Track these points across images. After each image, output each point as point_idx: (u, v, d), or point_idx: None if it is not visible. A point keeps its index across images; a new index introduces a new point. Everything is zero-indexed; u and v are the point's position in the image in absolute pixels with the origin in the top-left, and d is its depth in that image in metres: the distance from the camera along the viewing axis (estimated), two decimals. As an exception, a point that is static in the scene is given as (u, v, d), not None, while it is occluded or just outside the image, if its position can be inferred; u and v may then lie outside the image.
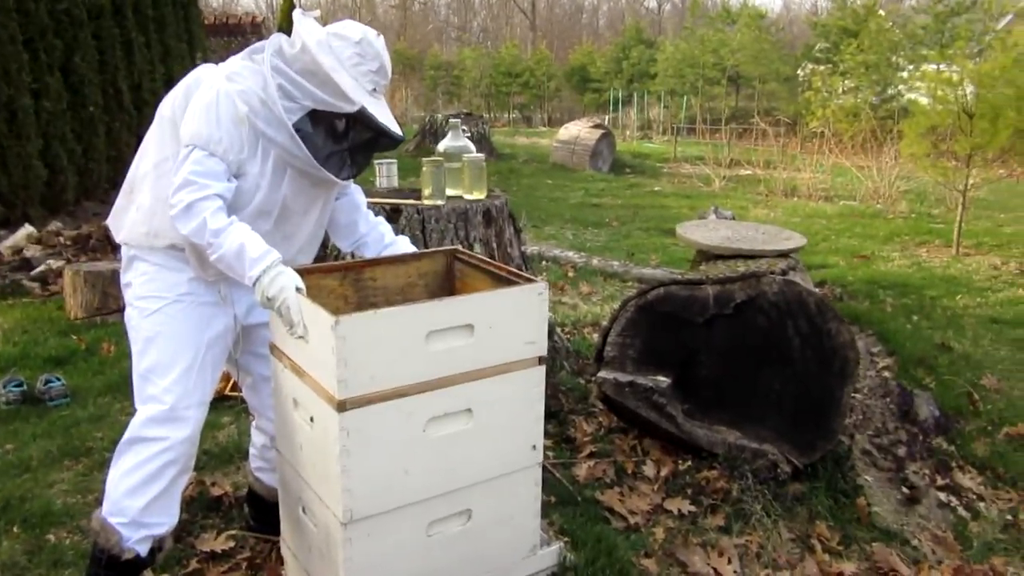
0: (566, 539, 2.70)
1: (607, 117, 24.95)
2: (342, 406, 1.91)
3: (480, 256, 2.53)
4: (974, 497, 3.32)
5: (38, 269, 5.98)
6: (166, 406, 2.20)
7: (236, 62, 2.22)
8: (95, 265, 5.40)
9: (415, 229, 3.42)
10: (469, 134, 4.25)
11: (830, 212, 10.93)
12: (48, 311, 5.30)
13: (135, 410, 2.25)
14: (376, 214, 2.59)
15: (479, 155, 3.69)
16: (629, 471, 3.29)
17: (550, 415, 3.43)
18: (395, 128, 2.21)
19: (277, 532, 2.53)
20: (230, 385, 3.78)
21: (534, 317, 2.17)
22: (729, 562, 2.72)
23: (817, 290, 3.56)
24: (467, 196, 3.63)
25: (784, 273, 3.34)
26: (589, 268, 6.90)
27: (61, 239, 6.55)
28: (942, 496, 3.27)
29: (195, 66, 2.36)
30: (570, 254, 7.36)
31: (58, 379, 3.95)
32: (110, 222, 2.41)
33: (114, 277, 4.81)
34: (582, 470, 3.26)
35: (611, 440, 3.52)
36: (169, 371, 2.22)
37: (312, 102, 2.13)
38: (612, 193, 12.43)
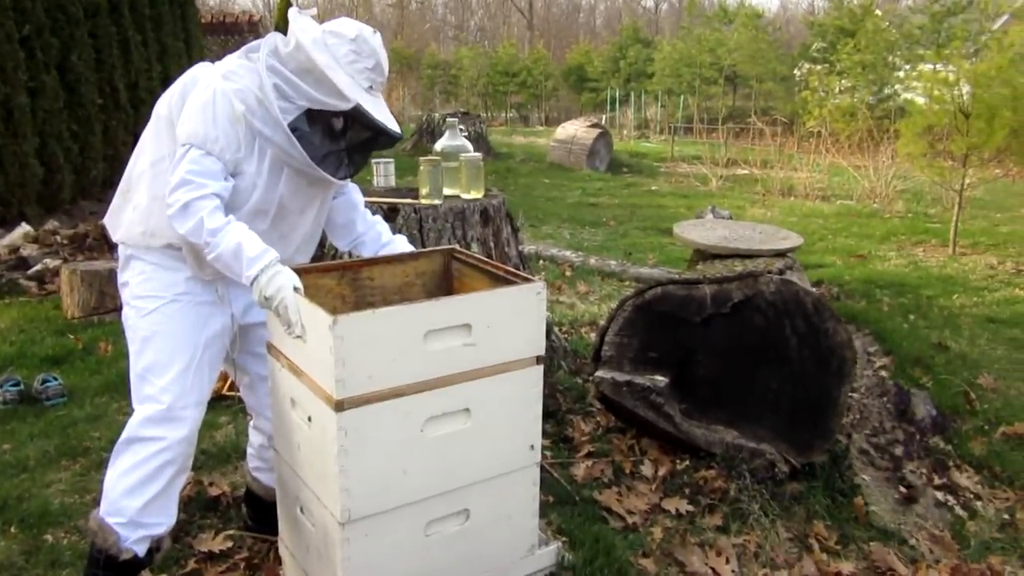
0: (564, 539, 2.70)
1: (604, 116, 24.96)
2: (340, 406, 1.90)
3: (478, 255, 2.53)
4: (971, 496, 3.33)
5: (35, 268, 5.97)
6: (163, 406, 2.20)
7: (232, 61, 2.22)
8: (92, 264, 5.39)
9: (412, 228, 3.42)
10: (466, 133, 4.24)
11: (827, 212, 10.95)
12: (45, 310, 5.28)
13: (132, 410, 2.25)
14: (373, 213, 2.59)
15: (476, 154, 3.69)
16: (627, 471, 3.29)
17: (548, 415, 3.43)
18: (392, 126, 2.20)
19: (275, 532, 2.52)
20: (227, 385, 3.77)
21: (532, 317, 2.17)
22: (727, 562, 2.73)
23: (814, 290, 3.57)
24: (464, 195, 3.63)
25: (781, 273, 3.34)
26: (586, 267, 6.91)
27: (58, 238, 6.53)
28: (939, 495, 3.28)
29: (192, 65, 2.35)
30: (567, 253, 7.36)
31: (55, 378, 3.94)
32: (107, 221, 2.40)
33: (111, 276, 4.80)
34: (580, 470, 3.26)
35: (609, 440, 3.52)
36: (166, 371, 2.22)
37: (307, 101, 2.13)
38: (609, 192, 12.44)
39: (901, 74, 19.74)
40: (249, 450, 2.74)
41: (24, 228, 6.56)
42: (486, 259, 2.46)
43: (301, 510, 2.24)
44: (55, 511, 2.90)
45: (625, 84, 27.63)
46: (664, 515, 3.01)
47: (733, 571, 2.70)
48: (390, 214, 3.41)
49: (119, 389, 3.88)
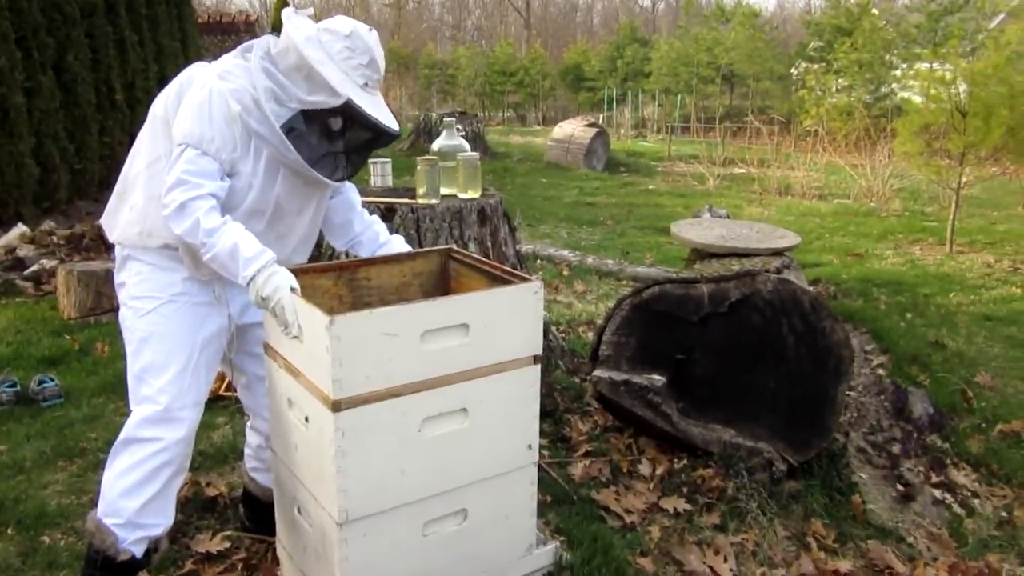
0: (562, 538, 2.70)
1: (601, 116, 24.92)
2: (337, 406, 1.90)
3: (475, 255, 2.53)
4: (969, 494, 3.33)
5: (31, 269, 5.96)
6: (161, 407, 2.19)
7: (228, 60, 2.21)
8: (89, 265, 5.38)
9: (410, 228, 3.42)
10: (463, 133, 4.24)
11: (824, 210, 10.96)
12: (41, 311, 5.27)
13: (130, 411, 2.24)
14: (371, 213, 2.59)
15: (474, 154, 3.68)
16: (625, 470, 3.29)
17: (545, 414, 3.43)
18: (387, 122, 2.17)
19: (273, 533, 2.52)
20: (225, 385, 3.77)
21: (529, 316, 2.17)
22: (725, 560, 2.73)
23: (811, 288, 3.57)
24: (462, 195, 3.63)
25: (778, 271, 3.35)
26: (584, 267, 6.91)
27: (54, 238, 6.52)
28: (937, 493, 3.28)
29: (188, 64, 2.35)
30: (565, 253, 7.36)
31: (52, 379, 3.93)
32: (103, 221, 2.40)
33: (108, 277, 4.80)
34: (578, 469, 3.26)
35: (607, 439, 3.52)
36: (164, 371, 2.21)
37: (298, 103, 2.12)
38: (606, 192, 12.44)
39: (898, 73, 19.75)
40: (246, 451, 2.73)
41: (20, 228, 6.55)
42: (483, 259, 2.45)
43: (299, 511, 2.23)
44: (52, 512, 2.90)
45: (622, 83, 27.61)
46: (662, 514, 3.01)
47: (731, 570, 2.70)
48: (387, 214, 3.41)
49: (116, 390, 3.87)
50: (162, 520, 2.27)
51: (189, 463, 2.33)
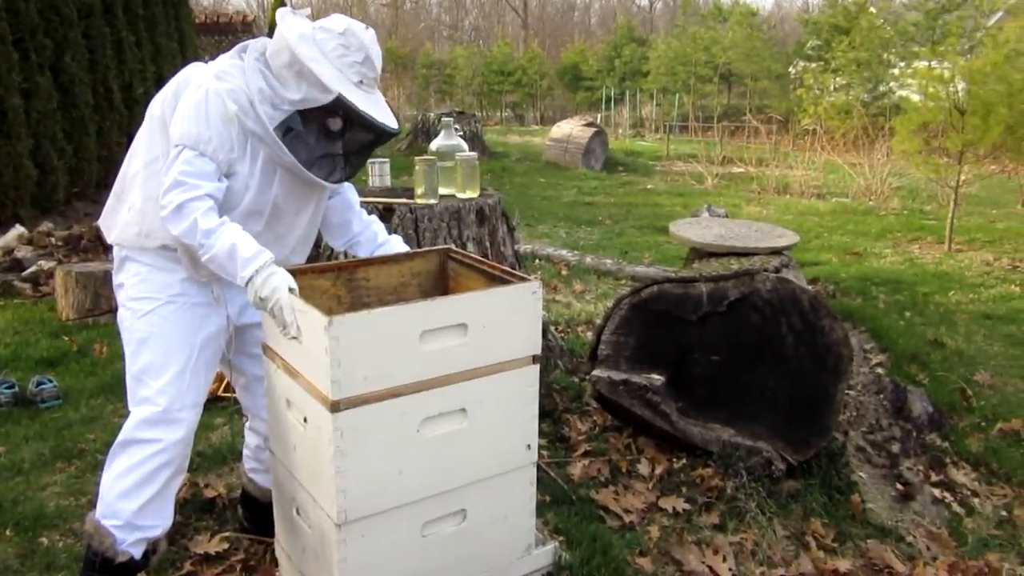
0: (561, 538, 2.69)
1: (599, 115, 24.93)
2: (336, 407, 1.90)
3: (473, 255, 2.53)
4: (968, 493, 3.33)
5: (29, 270, 5.95)
6: (160, 408, 2.19)
7: (225, 60, 2.21)
8: (87, 266, 5.37)
9: (408, 228, 3.41)
10: (461, 133, 4.24)
11: (822, 209, 10.96)
12: (39, 312, 5.27)
13: (128, 412, 2.24)
14: (369, 213, 2.58)
15: (472, 154, 3.68)
16: (624, 470, 3.29)
17: (544, 414, 3.43)
18: (384, 120, 2.15)
19: (271, 533, 2.51)
20: (223, 386, 3.76)
21: (528, 316, 2.17)
22: (724, 560, 2.72)
23: (810, 287, 3.57)
24: (460, 195, 3.62)
25: (777, 270, 3.34)
26: (582, 266, 6.91)
27: (52, 239, 6.51)
28: (936, 492, 3.28)
29: (186, 65, 2.34)
30: (563, 252, 7.36)
31: (50, 380, 3.93)
32: (101, 222, 2.39)
33: (106, 278, 4.79)
34: (577, 469, 3.26)
35: (605, 439, 3.52)
36: (162, 373, 2.21)
37: (290, 105, 2.11)
38: (605, 191, 12.44)
39: (896, 71, 19.75)
40: (245, 451, 2.73)
41: (18, 230, 6.54)
42: (482, 259, 2.45)
43: (297, 511, 2.23)
44: (50, 514, 2.89)
45: (620, 83, 27.60)
46: (661, 514, 3.01)
47: (730, 569, 2.70)
48: (385, 214, 3.41)
49: (114, 391, 3.87)
50: (160, 521, 2.27)
51: (188, 464, 2.33)
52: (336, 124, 2.17)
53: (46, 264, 5.97)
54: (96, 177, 8.50)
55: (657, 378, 3.27)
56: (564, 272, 6.72)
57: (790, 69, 24.19)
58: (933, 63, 10.01)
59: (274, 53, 2.13)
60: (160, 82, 3.26)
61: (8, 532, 2.78)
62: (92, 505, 2.30)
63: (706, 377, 3.30)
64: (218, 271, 2.08)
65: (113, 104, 8.88)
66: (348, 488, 1.96)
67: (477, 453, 2.16)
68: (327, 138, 2.19)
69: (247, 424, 2.67)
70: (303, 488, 2.16)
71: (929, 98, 8.57)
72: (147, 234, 2.24)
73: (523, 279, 2.22)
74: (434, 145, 3.70)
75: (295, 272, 2.10)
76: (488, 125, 24.93)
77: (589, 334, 4.64)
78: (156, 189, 2.13)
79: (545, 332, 4.06)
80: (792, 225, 7.83)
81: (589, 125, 15.70)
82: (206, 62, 2.28)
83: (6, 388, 3.85)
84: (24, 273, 5.93)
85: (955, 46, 10.01)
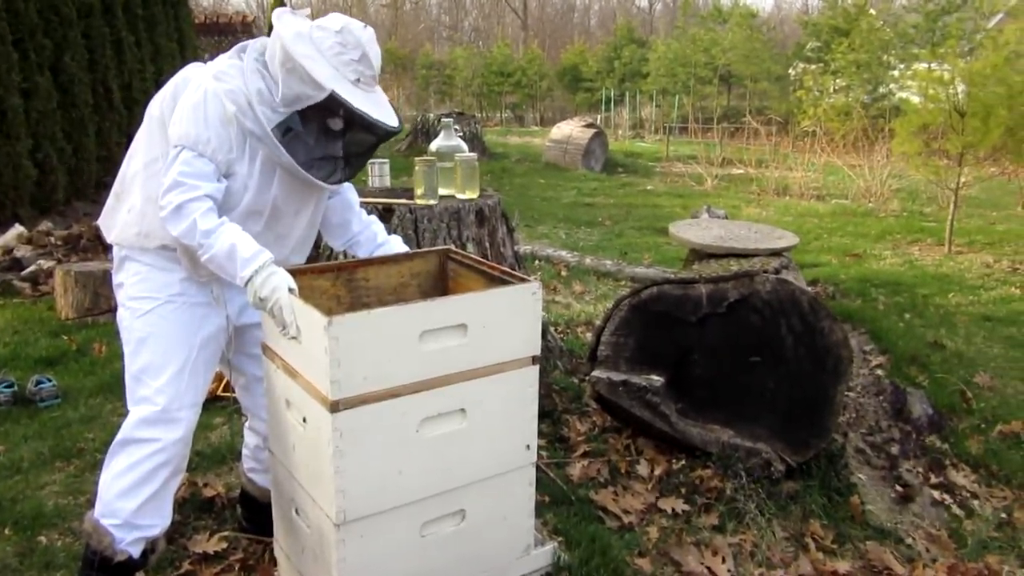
0: (560, 539, 2.69)
1: (599, 116, 24.94)
2: (335, 407, 1.90)
3: (473, 256, 2.53)
4: (968, 495, 3.32)
5: (28, 269, 5.95)
6: (159, 407, 2.19)
7: (224, 61, 2.20)
8: (86, 265, 5.37)
9: (408, 229, 3.41)
10: (461, 133, 4.24)
11: (822, 211, 10.96)
12: (39, 311, 5.27)
13: (127, 411, 2.24)
14: (368, 213, 2.58)
15: (471, 154, 3.68)
16: (623, 470, 3.29)
17: (544, 415, 3.43)
18: (382, 118, 2.13)
19: (270, 533, 2.51)
20: (223, 386, 3.76)
21: (528, 317, 2.16)
22: (723, 561, 2.72)
23: (810, 289, 3.57)
24: (460, 195, 3.62)
25: (777, 272, 3.34)
26: (582, 267, 6.91)
27: (52, 239, 6.51)
28: (936, 494, 3.28)
29: (185, 65, 2.34)
30: (563, 253, 7.36)
31: (49, 380, 3.92)
32: (101, 222, 2.39)
33: (105, 277, 4.79)
34: (576, 470, 3.26)
35: (605, 439, 3.52)
36: (161, 372, 2.21)
37: (286, 106, 2.11)
38: (605, 192, 12.44)
39: (896, 73, 19.76)
40: (244, 451, 2.73)
41: (18, 229, 6.54)
42: (481, 259, 2.45)
43: (296, 511, 2.23)
44: (49, 513, 2.89)
45: (620, 84, 27.62)
46: (660, 514, 3.01)
47: (729, 570, 2.70)
48: (385, 214, 3.40)
49: (113, 390, 3.86)
50: (159, 520, 2.27)
51: (186, 464, 2.33)
52: (336, 124, 2.16)
53: (45, 263, 5.97)
54: (95, 177, 8.51)
55: (657, 379, 3.26)
56: (564, 273, 6.72)
57: (790, 71, 24.21)
58: (933, 65, 10.01)
59: (271, 53, 2.13)
60: (160, 82, 3.25)
61: (7, 531, 2.78)
62: (91, 504, 2.30)
63: (705, 378, 3.30)
64: (217, 271, 2.08)
65: (112, 104, 8.88)
66: (347, 488, 1.96)
67: (476, 453, 2.16)
68: (327, 139, 2.18)
69: (246, 424, 2.67)
70: (302, 488, 2.15)
71: (929, 100, 8.57)
72: (147, 234, 2.23)
73: (523, 280, 2.22)
74: (434, 146, 3.70)
75: (295, 272, 2.10)
76: (488, 126, 24.93)
77: (588, 335, 4.64)
78: (155, 189, 2.13)
79: (545, 333, 4.06)
80: (792, 227, 7.83)
81: (589, 126, 15.70)
82: (205, 62, 2.28)
83: (5, 387, 3.85)
84: (23, 272, 5.93)
85: (955, 48, 10.00)
